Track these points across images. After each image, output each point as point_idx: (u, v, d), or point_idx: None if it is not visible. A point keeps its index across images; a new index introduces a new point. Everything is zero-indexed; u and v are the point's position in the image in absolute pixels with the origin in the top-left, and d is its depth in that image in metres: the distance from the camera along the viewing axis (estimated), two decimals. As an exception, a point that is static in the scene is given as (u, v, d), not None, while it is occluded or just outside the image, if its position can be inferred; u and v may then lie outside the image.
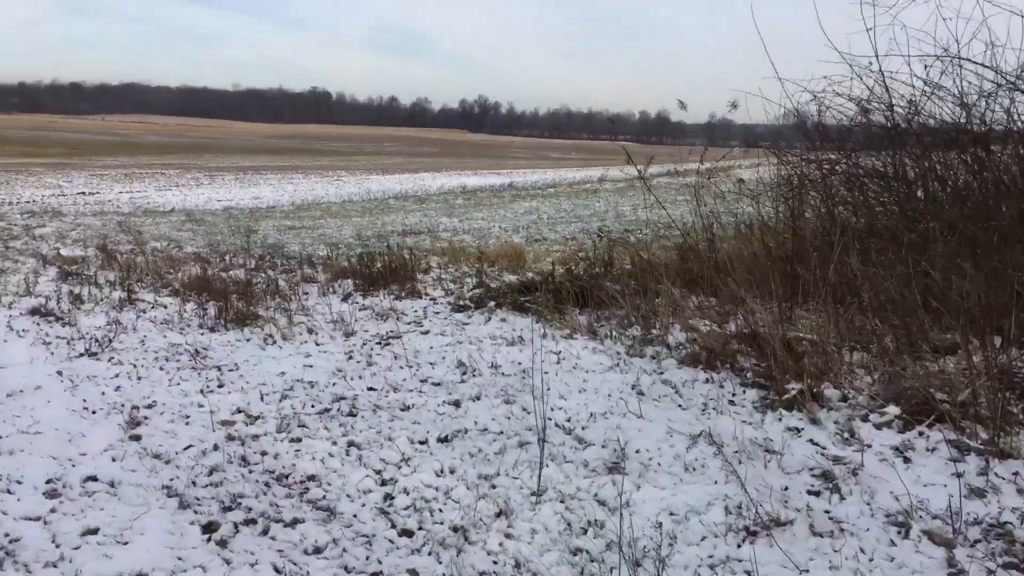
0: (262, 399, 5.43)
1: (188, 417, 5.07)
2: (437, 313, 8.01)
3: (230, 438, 4.74)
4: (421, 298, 8.71)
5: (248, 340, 6.96)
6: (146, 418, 5.02)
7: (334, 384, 5.77)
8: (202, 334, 7.16)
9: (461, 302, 8.32)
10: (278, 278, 9.73)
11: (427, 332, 7.31)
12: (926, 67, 7.85)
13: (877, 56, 7.61)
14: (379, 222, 20.08)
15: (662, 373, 5.92)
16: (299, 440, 4.75)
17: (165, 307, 8.21)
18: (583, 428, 4.87)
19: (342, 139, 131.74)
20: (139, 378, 5.84)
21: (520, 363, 6.17)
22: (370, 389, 5.68)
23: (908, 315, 6.17)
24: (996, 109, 7.39)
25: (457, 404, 5.37)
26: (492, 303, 7.97)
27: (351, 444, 4.71)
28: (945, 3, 7.04)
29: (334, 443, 4.72)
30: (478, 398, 5.47)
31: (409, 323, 7.64)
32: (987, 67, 7.19)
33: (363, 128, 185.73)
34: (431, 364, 6.28)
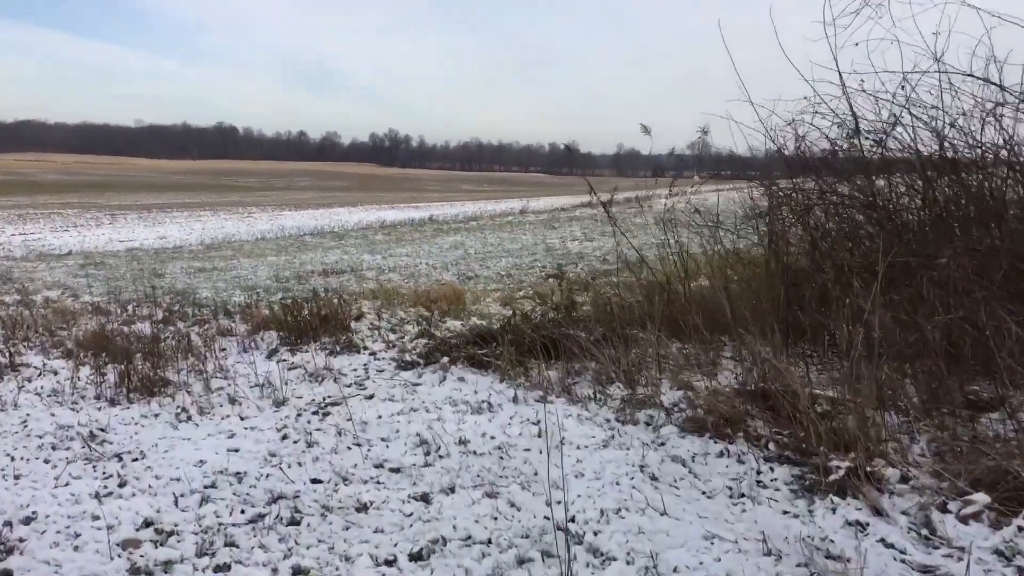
0: (176, 503, 4.24)
1: (78, 536, 3.86)
2: (381, 371, 6.90)
3: (135, 571, 3.56)
4: (359, 352, 7.59)
5: (157, 416, 5.74)
6: (21, 540, 3.80)
7: (267, 476, 4.62)
8: (99, 409, 5.92)
9: (407, 357, 7.22)
10: (190, 332, 8.49)
11: (372, 396, 6.21)
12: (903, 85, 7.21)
13: (842, 78, 6.93)
14: (297, 261, 18.79)
15: (664, 444, 4.93)
16: (227, 568, 3.59)
17: (55, 373, 6.92)
18: (596, 533, 3.83)
19: (250, 174, 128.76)
20: (17, 477, 4.60)
21: (493, 437, 5.12)
22: (314, 481, 4.54)
23: (939, 363, 5.34)
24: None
25: (426, 499, 4.28)
26: (444, 358, 6.89)
27: (297, 572, 3.58)
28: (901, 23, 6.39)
29: (275, 570, 3.59)
30: (452, 490, 4.38)
31: (349, 385, 6.51)
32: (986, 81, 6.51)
33: (272, 163, 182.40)
34: (384, 441, 5.18)
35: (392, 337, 8.24)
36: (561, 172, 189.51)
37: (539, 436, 5.04)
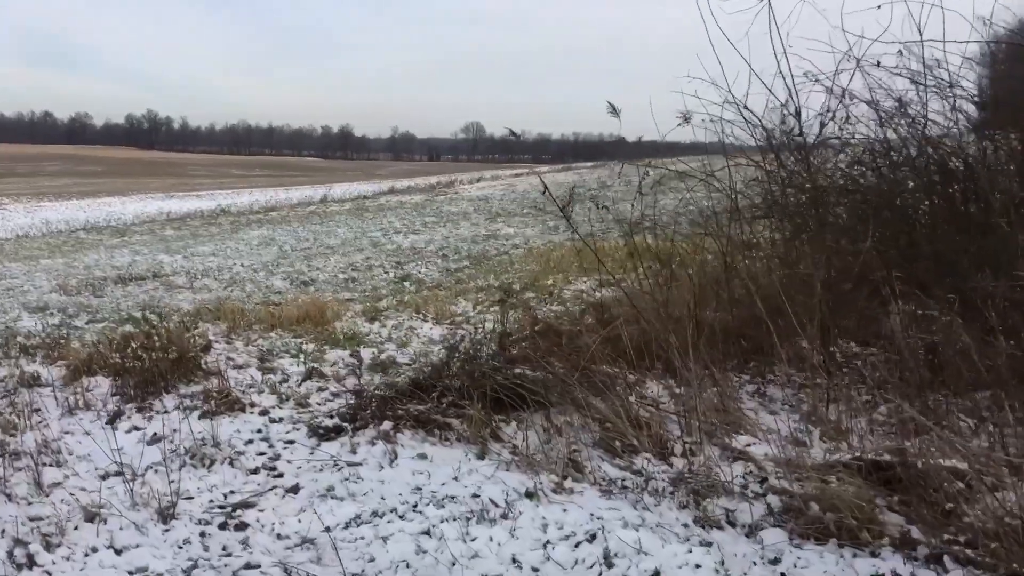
0: None
1: None
2: (290, 443, 5.00)
3: None
4: (244, 411, 5.61)
5: (-29, 559, 3.63)
6: None
7: None
8: None
9: (321, 419, 5.33)
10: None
11: (297, 490, 4.35)
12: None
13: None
14: (80, 264, 15.87)
15: (777, 563, 3.46)
16: None
17: None
18: None
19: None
20: None
21: (539, 572, 3.44)
22: None
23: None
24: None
25: None
26: (386, 422, 5.05)
27: None
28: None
29: None
30: None
31: (255, 470, 4.60)
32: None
33: (12, 146, 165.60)
34: (366, 583, 3.40)
35: (277, 383, 6.29)
36: (336, 156, 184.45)
37: (610, 566, 3.41)
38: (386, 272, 13.60)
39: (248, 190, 42.13)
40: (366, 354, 7.36)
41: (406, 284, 12.17)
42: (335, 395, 6.08)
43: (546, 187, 6.26)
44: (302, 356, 7.16)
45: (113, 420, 5.52)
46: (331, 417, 5.32)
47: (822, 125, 6.81)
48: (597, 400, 4.99)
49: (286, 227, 21.61)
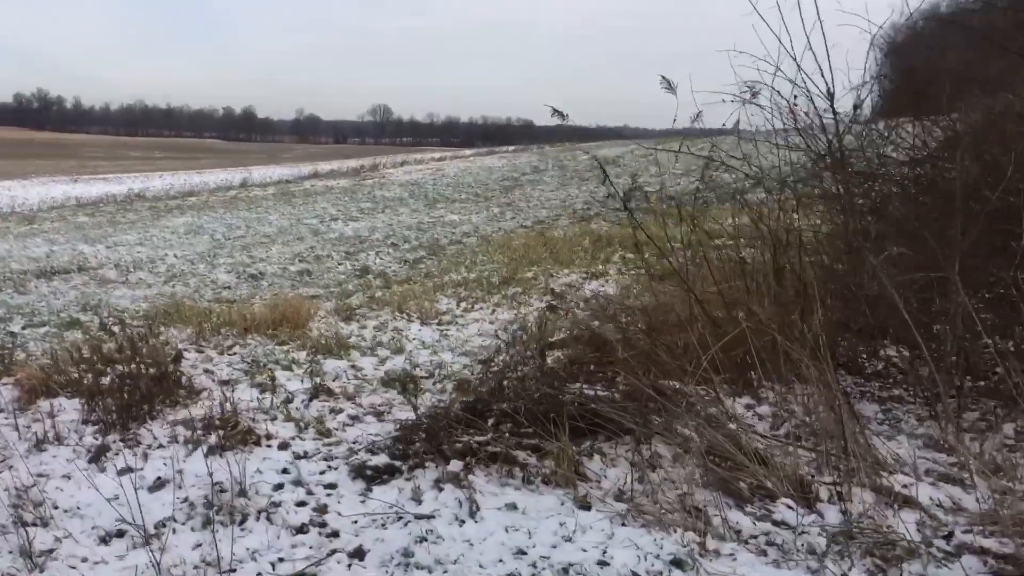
0: None
1: None
2: (331, 488, 4.11)
3: None
4: (259, 443, 4.68)
5: None
6: None
7: None
8: None
9: (363, 458, 4.43)
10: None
11: (361, 555, 3.49)
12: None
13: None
14: (-10, 256, 14.37)
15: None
16: None
17: None
18: None
19: None
20: None
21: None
22: None
23: None
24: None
25: None
26: (455, 461, 4.18)
27: None
28: None
29: None
30: None
31: (300, 529, 3.71)
32: None
33: None
34: None
35: (281, 403, 5.37)
36: (239, 138, 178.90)
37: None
38: (339, 263, 12.61)
39: (158, 173, 39.98)
40: (367, 363, 6.48)
41: (370, 278, 11.22)
42: (353, 419, 5.20)
43: (606, 176, 5.44)
44: (295, 368, 6.24)
45: (96, 458, 4.54)
46: (373, 452, 4.42)
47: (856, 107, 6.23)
48: (688, 424, 4.24)
49: (211, 213, 20.23)
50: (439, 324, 8.19)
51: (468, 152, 43.68)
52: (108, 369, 5.53)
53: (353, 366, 6.33)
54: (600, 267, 10.97)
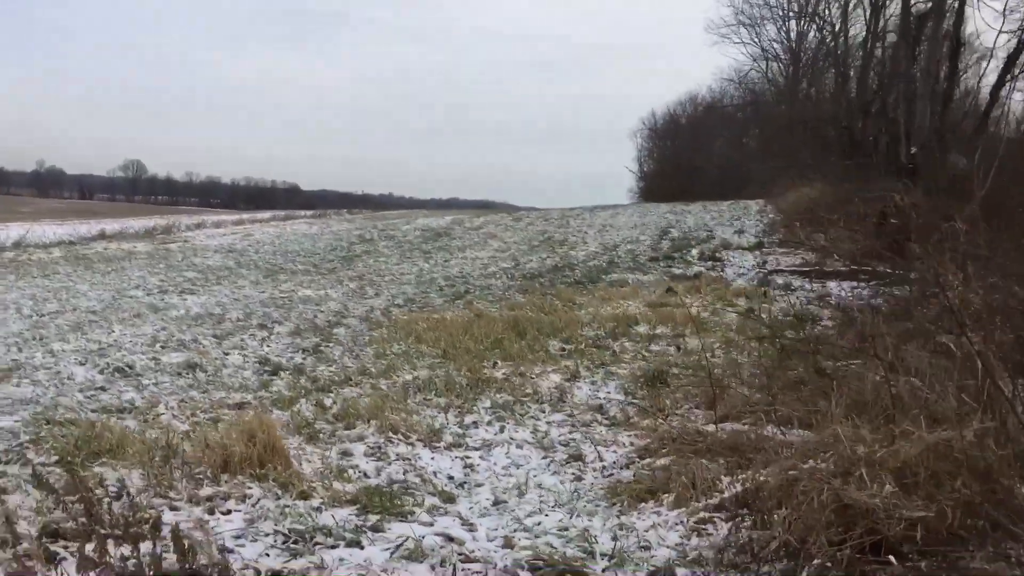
0: None
1: None
2: None
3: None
4: None
5: None
6: None
7: None
8: None
9: None
10: None
11: None
12: None
13: None
14: None
15: None
16: None
17: None
18: None
19: None
20: None
21: None
22: None
23: None
24: None
25: None
26: None
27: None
28: None
29: None
30: None
31: None
32: None
33: None
34: None
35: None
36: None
37: None
38: (225, 354, 10.22)
39: None
40: (438, 531, 4.56)
41: (284, 375, 9.02)
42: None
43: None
44: (365, 539, 4.23)
45: None
46: None
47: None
48: None
49: None
50: (448, 448, 6.36)
51: (265, 215, 40.80)
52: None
53: (447, 536, 4.40)
54: (566, 363, 9.43)
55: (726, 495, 4.32)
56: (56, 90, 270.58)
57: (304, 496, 4.91)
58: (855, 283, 15.56)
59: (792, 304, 13.44)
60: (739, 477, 4.53)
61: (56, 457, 5.47)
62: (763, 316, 12.72)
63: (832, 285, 15.94)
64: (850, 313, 11.31)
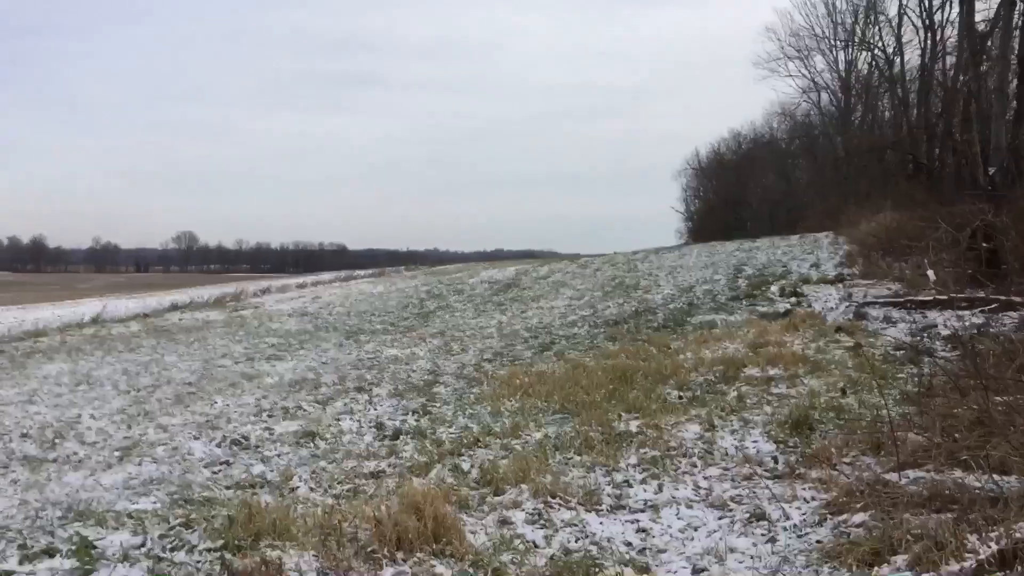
0: None
1: None
2: None
3: None
4: None
5: None
6: None
7: None
8: None
9: None
10: None
11: None
12: None
13: None
14: None
15: None
16: None
17: None
18: None
19: None
20: None
21: None
22: None
23: None
24: None
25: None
26: None
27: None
28: None
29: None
30: None
31: None
32: None
33: None
34: None
35: None
36: (27, 269, 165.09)
37: None
38: (337, 420, 10.01)
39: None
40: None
41: (419, 441, 8.72)
42: None
43: None
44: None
45: None
46: None
47: None
48: None
49: (88, 358, 16.75)
50: (611, 511, 6.01)
51: (327, 276, 41.09)
52: None
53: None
54: (695, 412, 9.04)
55: (981, 555, 3.92)
56: (108, 166, 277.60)
57: (498, 573, 4.59)
58: (955, 311, 14.97)
59: (904, 337, 12.91)
60: (990, 535, 4.12)
61: (221, 541, 5.22)
62: (873, 351, 12.27)
63: (934, 315, 15.34)
64: (975, 343, 10.79)
